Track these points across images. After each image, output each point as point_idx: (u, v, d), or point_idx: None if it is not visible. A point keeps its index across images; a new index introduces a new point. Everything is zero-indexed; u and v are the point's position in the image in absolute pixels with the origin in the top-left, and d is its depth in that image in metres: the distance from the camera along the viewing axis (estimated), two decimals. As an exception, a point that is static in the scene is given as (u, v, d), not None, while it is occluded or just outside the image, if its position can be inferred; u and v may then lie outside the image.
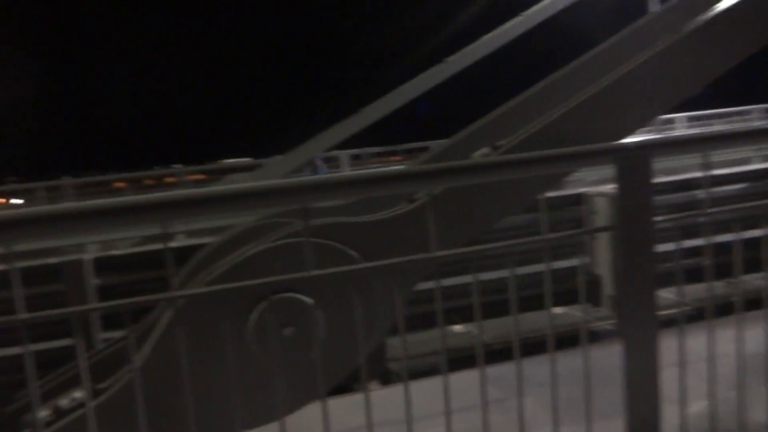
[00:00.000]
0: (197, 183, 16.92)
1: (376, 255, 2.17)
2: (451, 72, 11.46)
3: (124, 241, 6.03)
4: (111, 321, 3.63)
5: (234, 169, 16.37)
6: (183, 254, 2.83)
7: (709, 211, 1.88)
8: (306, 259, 1.72)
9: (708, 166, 1.85)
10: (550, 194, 3.69)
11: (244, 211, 2.43)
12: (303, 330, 1.91)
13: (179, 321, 1.74)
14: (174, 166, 21.05)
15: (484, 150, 2.51)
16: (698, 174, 4.65)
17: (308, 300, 1.94)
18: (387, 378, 3.90)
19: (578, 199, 4.29)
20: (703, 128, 21.20)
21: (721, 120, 21.30)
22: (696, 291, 3.45)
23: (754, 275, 3.92)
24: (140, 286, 4.16)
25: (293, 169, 10.38)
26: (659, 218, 1.70)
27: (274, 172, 9.83)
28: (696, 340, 2.06)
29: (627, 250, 1.70)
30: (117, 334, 2.83)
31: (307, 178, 3.89)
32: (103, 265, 4.20)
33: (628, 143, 1.61)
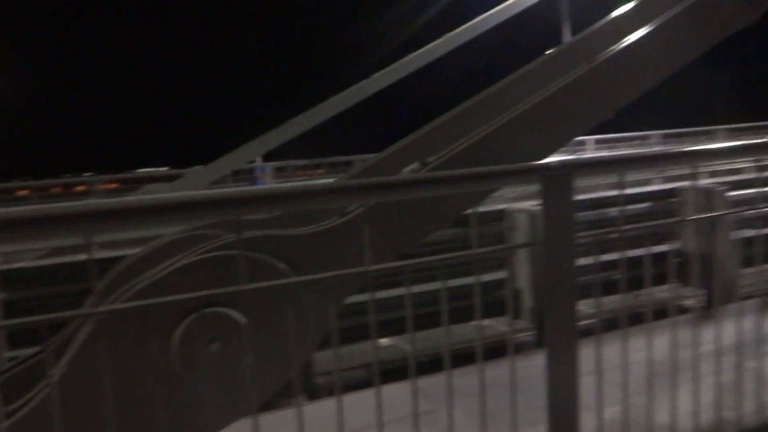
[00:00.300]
0: (111, 193, 16.14)
1: (307, 268, 2.15)
2: (378, 88, 11.63)
3: (30, 252, 5.62)
4: (17, 339, 3.36)
5: (152, 179, 15.75)
6: (98, 267, 2.68)
7: (624, 228, 2.01)
8: (237, 273, 1.68)
9: (623, 185, 1.99)
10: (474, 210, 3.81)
11: (172, 222, 2.34)
12: (231, 346, 1.86)
13: (98, 337, 1.65)
14: (85, 174, 19.95)
15: (414, 166, 2.55)
16: (611, 193, 4.97)
17: (237, 315, 1.90)
18: (313, 393, 3.86)
19: (500, 215, 4.47)
20: (610, 150, 22.67)
21: (624, 143, 22.91)
22: (611, 302, 3.67)
23: (662, 287, 4.24)
24: (50, 300, 3.90)
25: (215, 180, 10.12)
26: (580, 234, 1.80)
27: (195, 182, 9.52)
28: (611, 348, 2.19)
29: (550, 265, 1.79)
30: (23, 352, 2.63)
31: (237, 189, 3.80)
32: (7, 278, 3.90)
33: (551, 163, 1.70)
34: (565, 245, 1.77)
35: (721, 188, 4.46)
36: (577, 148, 18.66)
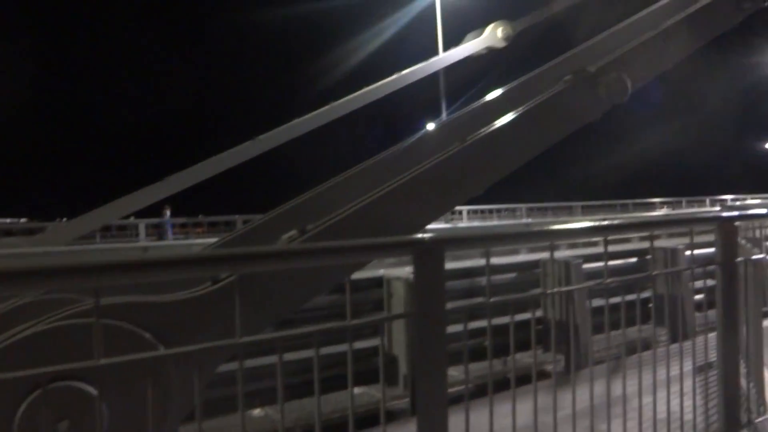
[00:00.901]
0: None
1: (174, 338, 2.04)
2: (263, 149, 11.59)
3: None
4: None
5: (9, 232, 14.22)
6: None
7: (493, 300, 2.14)
8: (92, 343, 1.56)
9: (489, 259, 2.14)
10: (353, 276, 3.85)
11: (23, 291, 2.13)
12: (83, 424, 1.69)
13: None
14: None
15: (293, 233, 2.56)
16: (482, 262, 5.26)
17: (90, 389, 1.74)
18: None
19: (380, 281, 4.55)
20: (482, 220, 24.21)
21: (495, 214, 24.68)
22: (479, 369, 3.81)
23: (525, 353, 4.49)
24: None
25: (81, 235, 9.36)
26: (450, 306, 1.89)
27: (57, 238, 8.74)
28: (479, 414, 2.26)
29: (422, 335, 1.85)
30: None
31: (98, 257, 3.51)
32: None
33: (423, 237, 1.79)
34: (436, 315, 1.84)
35: (577, 261, 4.92)
36: (453, 216, 19.68)
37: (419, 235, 1.77)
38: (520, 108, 3.51)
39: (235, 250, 2.30)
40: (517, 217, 24.06)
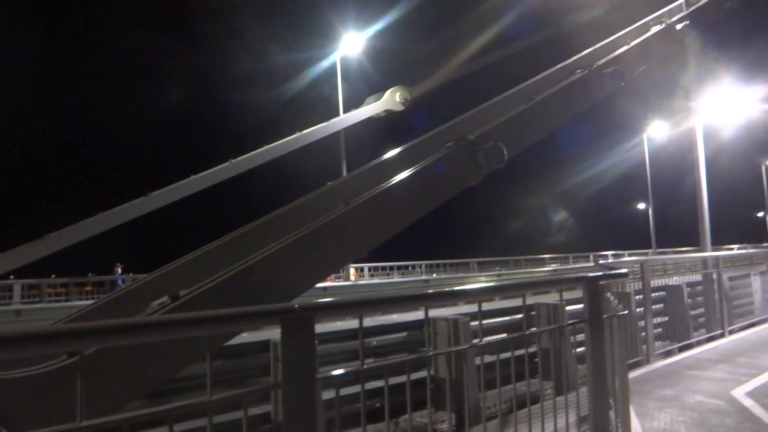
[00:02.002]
0: None
1: (17, 418, 1.83)
2: (156, 205, 11.12)
3: None
4: None
5: None
6: None
7: (368, 365, 2.12)
8: None
9: (362, 326, 2.13)
10: (237, 341, 3.70)
11: None
12: None
13: None
14: None
15: (164, 299, 2.43)
16: (375, 322, 5.26)
17: None
18: None
19: (266, 345, 4.39)
20: (386, 276, 24.43)
21: (395, 271, 25.10)
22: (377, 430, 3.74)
23: (421, 412, 4.47)
24: None
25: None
26: (321, 375, 1.85)
27: None
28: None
29: (292, 407, 1.78)
30: None
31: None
32: None
33: (292, 305, 1.75)
34: (306, 386, 1.78)
35: (464, 319, 5.04)
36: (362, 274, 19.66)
37: (288, 304, 1.73)
38: (404, 172, 3.64)
39: (81, 325, 2.12)
40: (417, 274, 24.60)
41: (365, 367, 2.06)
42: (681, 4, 11.70)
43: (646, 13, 10.47)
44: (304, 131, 14.66)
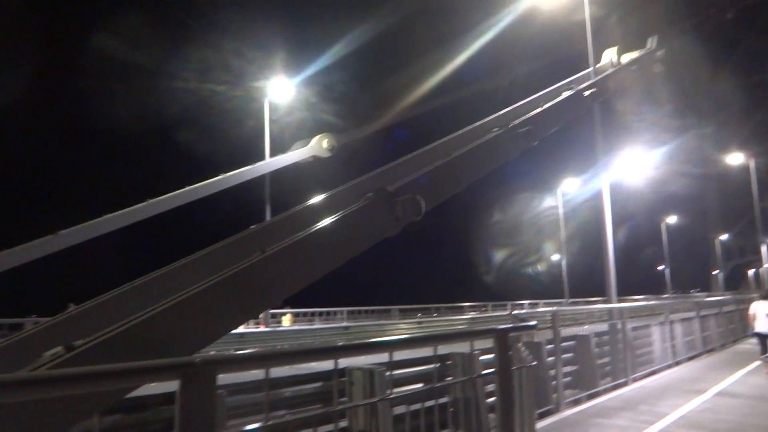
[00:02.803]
0: None
1: None
2: (63, 245, 10.50)
3: None
4: None
5: None
6: None
7: (271, 422, 2.07)
8: None
9: (267, 373, 2.08)
10: (139, 393, 3.49)
11: None
12: None
13: None
14: None
15: (58, 349, 2.29)
16: (285, 373, 5.11)
17: None
18: None
19: (171, 398, 4.16)
20: (307, 323, 24.03)
21: (316, 317, 24.85)
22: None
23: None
24: None
25: None
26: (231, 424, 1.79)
27: None
28: None
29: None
30: None
31: None
32: None
33: (193, 359, 1.69)
34: (204, 445, 1.71)
35: (380, 369, 5.03)
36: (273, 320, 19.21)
37: (188, 357, 1.67)
38: (323, 221, 3.66)
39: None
40: (338, 320, 24.37)
41: (269, 423, 2.01)
42: (590, 72, 12.73)
43: (560, 78, 11.31)
44: (228, 174, 14.45)
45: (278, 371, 5.76)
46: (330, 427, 4.13)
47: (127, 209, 11.53)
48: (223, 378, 4.43)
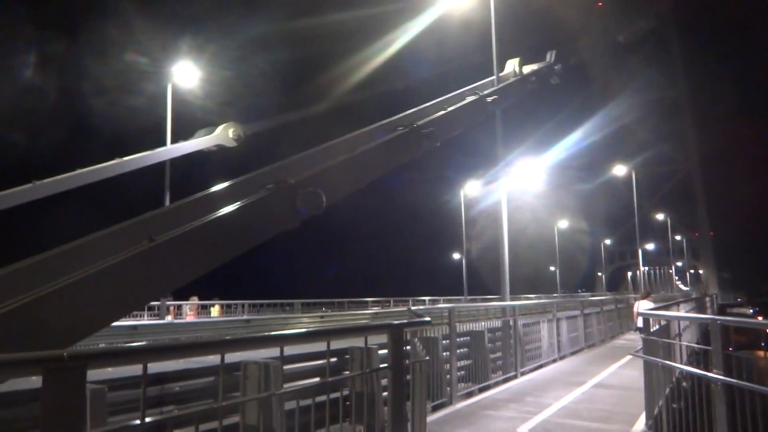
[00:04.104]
0: None
1: None
2: None
3: None
4: None
5: None
6: None
7: (148, 419, 1.97)
8: None
9: (144, 369, 1.97)
10: (7, 388, 3.22)
11: None
12: None
13: None
14: None
15: None
16: (172, 366, 4.91)
17: None
18: None
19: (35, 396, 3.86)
20: (203, 317, 23.25)
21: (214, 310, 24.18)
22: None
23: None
24: None
25: None
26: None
27: None
28: None
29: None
30: None
31: None
32: None
33: (60, 353, 1.56)
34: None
35: (276, 363, 4.95)
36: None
37: (54, 351, 1.55)
38: (220, 210, 3.55)
39: None
40: (238, 314, 23.78)
41: (150, 420, 1.92)
42: (493, 79, 13.27)
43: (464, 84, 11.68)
44: (125, 158, 13.64)
45: (169, 365, 5.51)
46: (209, 425, 4.02)
47: (6, 191, 10.58)
48: (106, 372, 4.17)
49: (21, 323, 2.25)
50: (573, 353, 14.26)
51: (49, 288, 2.39)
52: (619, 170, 45.22)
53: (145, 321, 17.90)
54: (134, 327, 14.74)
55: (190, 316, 22.06)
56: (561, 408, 7.89)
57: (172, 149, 16.50)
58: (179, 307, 22.33)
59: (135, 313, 19.62)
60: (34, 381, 1.64)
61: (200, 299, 23.21)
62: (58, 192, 11.90)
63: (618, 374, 11.12)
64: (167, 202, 16.51)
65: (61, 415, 1.59)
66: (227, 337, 2.63)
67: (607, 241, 68.44)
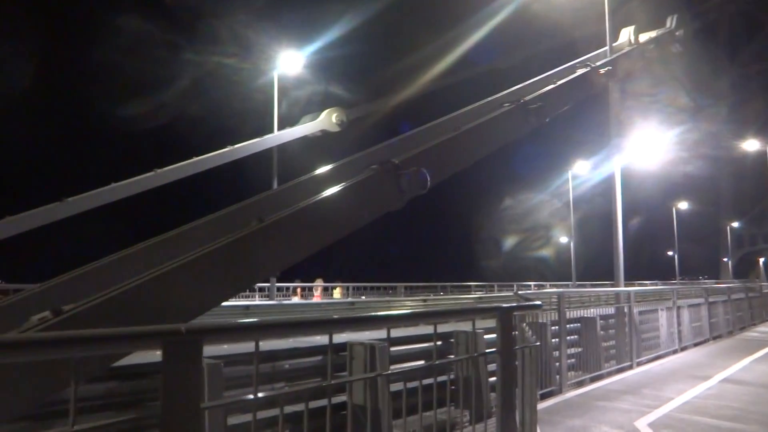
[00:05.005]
0: None
1: None
2: (72, 212, 10.53)
3: None
4: None
5: None
6: None
7: (263, 394, 2.00)
8: None
9: (257, 346, 2.00)
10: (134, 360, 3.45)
11: None
12: None
13: None
14: None
15: (45, 314, 2.23)
16: (283, 345, 5.08)
17: None
18: None
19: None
20: (308, 299, 24.22)
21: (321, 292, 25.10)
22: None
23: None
24: None
25: None
26: (208, 404, 1.72)
27: None
28: None
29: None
30: None
31: None
32: None
33: (178, 327, 1.61)
34: (188, 416, 1.65)
35: (382, 345, 4.97)
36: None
37: (173, 325, 1.59)
38: (325, 192, 3.57)
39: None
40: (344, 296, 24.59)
41: (263, 395, 1.94)
42: (606, 50, 12.43)
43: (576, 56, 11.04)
44: (236, 146, 14.36)
45: (278, 344, 5.73)
46: (337, 399, 4.10)
47: (132, 179, 11.51)
48: (222, 349, 4.39)
49: (142, 301, 2.37)
50: (696, 344, 13.20)
51: (166, 267, 2.50)
52: (752, 145, 40.95)
53: (257, 301, 18.92)
54: (247, 307, 15.61)
55: (316, 297, 23.53)
56: (684, 403, 7.30)
57: (279, 135, 17.13)
58: (309, 289, 24.09)
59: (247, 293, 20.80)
60: (154, 356, 1.71)
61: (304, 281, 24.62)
62: (176, 179, 12.75)
63: (751, 369, 10.12)
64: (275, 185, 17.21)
65: (180, 387, 1.63)
66: (334, 317, 2.64)
67: (735, 224, 62.66)
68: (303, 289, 24.80)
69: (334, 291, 25.68)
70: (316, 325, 2.03)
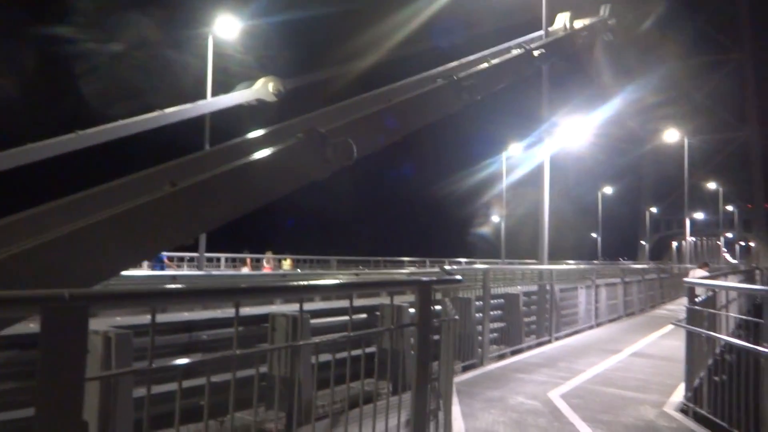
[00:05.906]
0: None
1: None
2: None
3: None
4: None
5: None
6: None
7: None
8: None
9: (153, 314, 1.89)
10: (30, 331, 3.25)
11: None
12: None
13: None
14: None
15: None
16: (204, 315, 4.96)
17: None
18: None
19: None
20: (234, 270, 23.82)
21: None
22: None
23: (245, 411, 4.27)
24: None
25: None
26: (93, 376, 1.61)
27: None
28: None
29: (48, 415, 1.51)
30: None
31: None
32: None
33: (60, 292, 1.48)
34: (69, 389, 1.53)
35: (306, 316, 4.93)
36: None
37: (54, 290, 1.47)
38: (245, 158, 3.44)
39: None
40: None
41: (153, 366, 1.85)
42: (542, 34, 12.65)
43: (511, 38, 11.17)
44: (166, 110, 13.71)
45: (199, 314, 5.58)
46: (251, 371, 4.02)
47: (52, 139, 10.79)
48: (132, 319, 4.19)
49: (35, 265, 2.20)
50: (611, 321, 13.95)
51: (65, 230, 2.33)
52: (672, 135, 43.22)
53: (185, 272, 18.42)
54: (173, 277, 15.14)
55: (266, 269, 23.25)
56: (595, 375, 7.71)
57: (212, 102, 16.52)
58: (258, 260, 23.83)
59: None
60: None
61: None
62: (99, 143, 12.06)
63: (657, 344, 10.81)
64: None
65: (60, 359, 1.51)
66: (243, 285, 2.55)
67: (653, 209, 66.34)
68: (252, 260, 24.63)
69: (283, 263, 25.51)
70: (217, 293, 1.94)
